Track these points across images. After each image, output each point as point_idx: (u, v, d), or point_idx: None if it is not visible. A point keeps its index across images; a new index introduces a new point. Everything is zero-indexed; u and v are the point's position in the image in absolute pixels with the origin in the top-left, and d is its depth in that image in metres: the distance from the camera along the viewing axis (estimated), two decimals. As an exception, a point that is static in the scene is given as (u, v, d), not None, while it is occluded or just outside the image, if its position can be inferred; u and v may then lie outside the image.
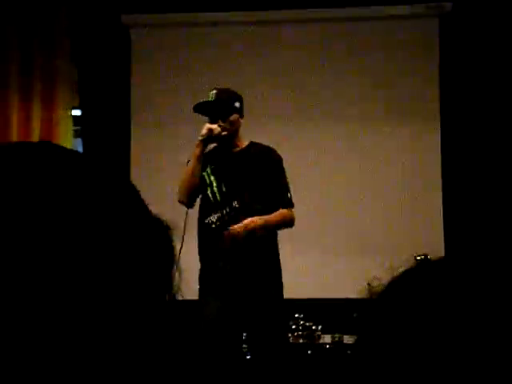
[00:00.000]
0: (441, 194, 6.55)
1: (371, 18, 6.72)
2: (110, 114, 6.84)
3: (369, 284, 0.91)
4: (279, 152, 4.60)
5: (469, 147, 6.52)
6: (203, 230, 4.40)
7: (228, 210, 4.32)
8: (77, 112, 6.90)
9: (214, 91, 4.46)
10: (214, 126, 4.33)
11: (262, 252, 4.37)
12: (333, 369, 5.58)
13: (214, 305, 4.28)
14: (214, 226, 4.33)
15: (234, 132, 4.42)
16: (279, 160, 4.51)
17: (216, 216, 4.33)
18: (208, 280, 4.38)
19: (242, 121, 4.48)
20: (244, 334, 4.64)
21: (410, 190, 6.57)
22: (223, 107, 4.40)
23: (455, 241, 6.41)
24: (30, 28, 6.80)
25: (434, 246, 6.24)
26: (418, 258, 5.57)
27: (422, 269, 0.88)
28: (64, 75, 6.84)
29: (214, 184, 4.38)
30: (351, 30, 6.74)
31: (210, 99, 4.44)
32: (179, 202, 4.43)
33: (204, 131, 4.33)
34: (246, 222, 4.23)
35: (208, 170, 4.41)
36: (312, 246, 6.30)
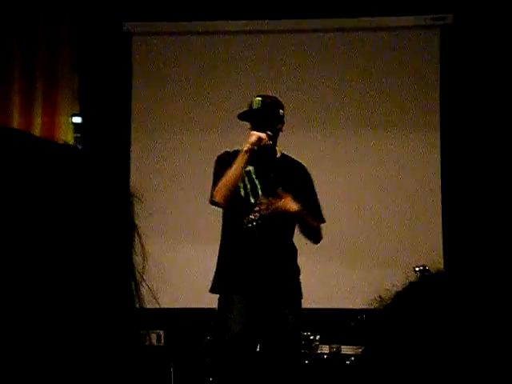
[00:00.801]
0: (440, 205, 6.55)
1: (372, 28, 6.73)
2: (110, 121, 6.84)
3: (380, 296, 0.92)
4: None
5: (468, 157, 6.52)
6: (232, 230, 4.37)
7: (262, 215, 4.31)
8: (77, 119, 6.91)
9: (259, 98, 4.42)
10: (264, 136, 4.28)
11: (287, 258, 4.40)
12: (330, 379, 5.57)
13: (238, 303, 4.26)
14: (245, 226, 4.30)
15: (275, 140, 4.43)
16: (311, 178, 4.57)
17: (248, 218, 4.31)
18: (236, 279, 4.32)
19: (283, 128, 4.49)
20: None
21: (408, 200, 6.57)
22: (270, 116, 4.36)
23: (454, 251, 6.41)
24: (33, 35, 6.81)
25: (433, 256, 6.24)
26: (417, 269, 5.57)
27: (428, 281, 0.88)
28: (65, 82, 6.84)
29: (249, 186, 4.36)
30: (353, 39, 6.75)
31: (255, 107, 4.39)
32: (213, 203, 4.37)
33: (253, 139, 4.27)
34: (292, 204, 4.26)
35: (251, 169, 4.39)
36: (310, 257, 6.28)
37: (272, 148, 4.41)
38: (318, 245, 6.31)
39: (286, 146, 6.52)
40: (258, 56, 6.80)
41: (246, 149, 4.28)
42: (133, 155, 6.80)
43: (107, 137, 6.83)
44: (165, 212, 6.62)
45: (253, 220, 4.30)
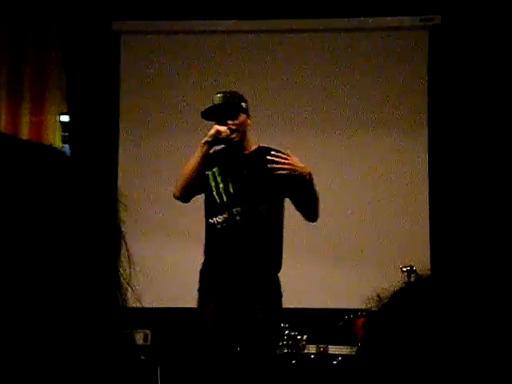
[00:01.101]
0: (428, 205, 6.57)
1: (361, 29, 6.75)
2: (98, 120, 6.83)
3: (378, 296, 0.92)
4: None
5: (456, 156, 6.54)
6: (208, 229, 4.37)
7: (235, 211, 4.27)
8: (65, 118, 6.89)
9: (220, 94, 4.42)
10: (223, 128, 4.29)
11: (266, 259, 4.34)
12: (317, 379, 5.57)
13: (212, 309, 4.26)
14: (219, 226, 4.29)
15: (242, 134, 4.38)
16: None
17: (222, 217, 4.29)
18: (208, 281, 4.34)
19: (249, 122, 4.45)
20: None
21: (395, 200, 6.58)
22: (231, 108, 4.36)
23: (441, 251, 6.43)
24: (21, 33, 6.79)
25: (420, 256, 6.25)
26: (404, 269, 5.58)
27: (424, 281, 0.88)
28: (53, 81, 6.83)
29: (221, 185, 4.34)
30: (342, 40, 6.77)
31: (216, 102, 4.39)
32: (174, 197, 4.41)
33: (211, 132, 4.30)
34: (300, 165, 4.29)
35: (215, 170, 4.37)
36: (298, 257, 6.29)
37: (241, 143, 4.38)
38: (305, 245, 6.34)
39: (276, 144, 6.54)
40: (249, 56, 6.80)
41: (203, 141, 4.31)
42: (120, 154, 6.79)
43: (95, 135, 6.82)
44: (151, 211, 6.61)
45: (226, 220, 4.28)
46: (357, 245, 6.53)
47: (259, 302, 4.28)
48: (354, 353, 5.64)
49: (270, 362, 4.36)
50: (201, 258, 4.51)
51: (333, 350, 5.77)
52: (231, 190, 4.31)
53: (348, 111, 6.69)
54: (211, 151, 4.39)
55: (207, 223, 4.37)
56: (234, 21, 6.81)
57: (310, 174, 4.34)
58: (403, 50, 6.71)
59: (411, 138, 6.66)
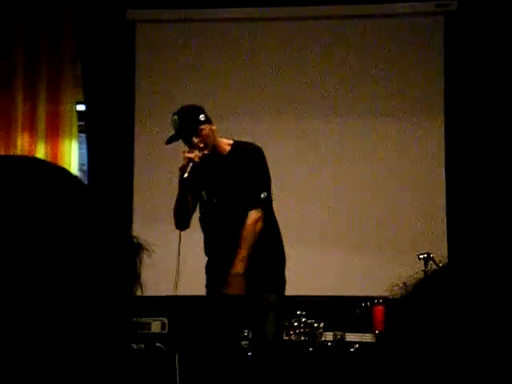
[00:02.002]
0: (444, 192, 6.55)
1: (377, 15, 6.71)
2: (114, 109, 6.84)
3: (404, 283, 0.91)
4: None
5: (473, 144, 6.51)
6: (205, 233, 4.63)
7: (220, 219, 4.48)
8: (81, 107, 6.90)
9: (175, 116, 4.45)
10: (193, 154, 4.32)
11: (265, 247, 4.42)
12: (334, 366, 5.58)
13: (217, 300, 4.36)
14: (212, 225, 4.54)
15: (212, 143, 4.42)
16: (258, 157, 4.49)
17: (210, 218, 4.55)
18: (211, 274, 4.47)
19: (214, 127, 4.46)
20: (245, 331, 4.67)
21: (412, 187, 6.56)
22: (190, 127, 4.37)
23: (458, 238, 6.41)
24: (36, 22, 6.81)
25: (437, 243, 6.24)
26: (421, 256, 5.57)
27: (452, 269, 0.88)
28: (69, 70, 6.84)
29: (204, 198, 4.53)
30: (358, 26, 6.73)
31: (176, 128, 4.43)
32: (178, 229, 4.62)
33: (185, 164, 4.33)
34: (233, 266, 4.34)
35: (203, 193, 4.55)
36: (314, 244, 6.29)
37: (213, 149, 4.42)
38: (321, 232, 6.34)
39: (290, 132, 6.54)
40: (263, 43, 6.78)
41: (179, 179, 4.41)
42: (136, 142, 6.79)
43: (111, 124, 6.83)
44: (168, 200, 6.62)
45: (213, 220, 4.50)
46: (374, 232, 6.52)
47: (261, 291, 4.41)
48: (371, 340, 5.65)
49: (277, 349, 4.43)
50: None
51: (350, 337, 5.77)
52: (215, 200, 4.48)
53: (363, 99, 6.66)
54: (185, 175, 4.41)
55: (202, 227, 4.63)
56: (248, 8, 6.79)
57: (235, 274, 4.37)
58: (419, 37, 6.67)
59: (428, 125, 6.63)
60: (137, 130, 6.81)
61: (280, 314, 4.50)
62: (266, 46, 6.77)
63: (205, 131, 4.37)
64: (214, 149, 4.43)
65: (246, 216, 4.36)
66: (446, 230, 6.47)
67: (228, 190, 4.43)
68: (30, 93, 6.80)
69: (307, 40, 6.75)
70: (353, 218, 6.57)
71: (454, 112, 6.60)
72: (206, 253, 4.63)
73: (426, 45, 6.66)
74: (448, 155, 6.58)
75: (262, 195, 4.42)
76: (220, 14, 6.81)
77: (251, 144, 4.56)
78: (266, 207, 4.44)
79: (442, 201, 6.53)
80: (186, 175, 4.30)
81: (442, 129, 6.60)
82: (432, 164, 6.58)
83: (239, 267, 4.29)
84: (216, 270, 4.48)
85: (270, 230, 4.47)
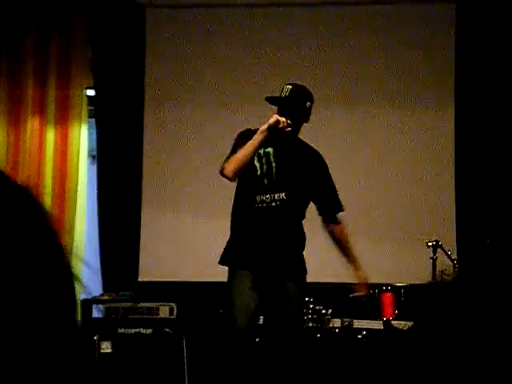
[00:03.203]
0: (453, 180, 6.53)
1: (388, 2, 6.69)
2: (124, 94, 6.84)
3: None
4: None
5: (483, 132, 6.49)
6: (243, 207, 4.48)
7: (274, 197, 4.41)
8: (92, 92, 6.90)
9: (290, 87, 4.48)
10: (283, 119, 4.36)
11: (293, 244, 4.51)
12: (342, 353, 5.59)
13: (247, 279, 4.36)
14: (256, 205, 4.41)
15: (296, 131, 4.50)
16: (327, 166, 4.64)
17: (260, 197, 4.41)
18: (242, 256, 4.43)
19: (305, 123, 4.55)
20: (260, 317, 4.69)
21: (421, 175, 6.55)
22: (295, 106, 4.43)
23: (467, 226, 6.40)
24: (47, 7, 6.80)
25: (446, 231, 6.24)
26: (430, 244, 5.57)
27: (495, 261, 0.87)
28: (79, 55, 6.84)
29: (265, 167, 4.44)
30: (369, 13, 6.71)
31: (283, 95, 4.46)
32: (223, 175, 4.42)
33: (272, 120, 4.35)
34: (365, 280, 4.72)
35: (261, 152, 4.44)
36: (322, 231, 6.28)
37: (293, 135, 4.47)
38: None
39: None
40: (273, 29, 6.76)
41: (263, 128, 4.36)
42: (146, 128, 6.80)
43: (120, 109, 6.83)
44: (176, 185, 6.63)
45: (264, 201, 4.40)
46: (382, 220, 6.52)
47: (292, 277, 4.45)
48: (378, 327, 5.65)
49: (300, 333, 4.53)
50: (227, 233, 4.55)
51: (357, 324, 5.78)
52: (274, 176, 4.42)
53: (373, 86, 6.64)
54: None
55: (242, 200, 4.48)
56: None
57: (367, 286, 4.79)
58: (430, 24, 6.63)
59: (438, 112, 6.61)
60: (146, 114, 6.81)
61: (303, 304, 4.63)
62: (277, 31, 6.75)
63: (299, 118, 4.46)
64: (292, 136, 4.48)
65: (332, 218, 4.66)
66: (454, 217, 6.46)
67: (293, 177, 4.45)
68: (40, 78, 6.80)
69: (320, 27, 6.73)
70: (361, 206, 6.56)
71: (464, 98, 6.57)
72: (244, 231, 4.47)
73: (437, 32, 6.62)
74: (458, 143, 6.57)
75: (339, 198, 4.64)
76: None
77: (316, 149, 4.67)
78: None
79: (450, 188, 6.52)
80: (269, 127, 4.32)
81: (453, 115, 6.58)
82: (441, 152, 6.56)
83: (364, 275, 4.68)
84: (262, 249, 4.40)
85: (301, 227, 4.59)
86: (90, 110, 6.93)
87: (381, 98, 6.64)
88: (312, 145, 4.66)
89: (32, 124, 6.77)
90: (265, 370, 4.48)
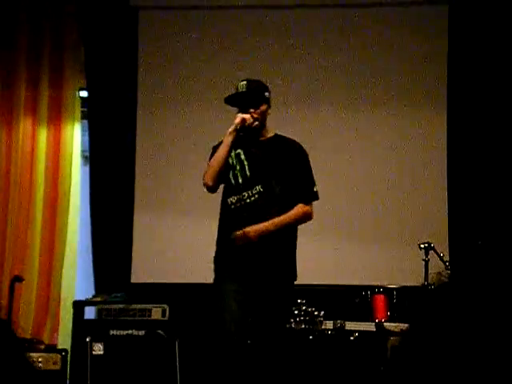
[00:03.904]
0: (446, 181, 6.54)
1: (380, 3, 6.70)
2: (117, 95, 6.83)
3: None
4: None
5: (475, 135, 6.51)
6: (223, 210, 4.51)
7: (250, 193, 4.41)
8: (85, 93, 6.89)
9: (244, 82, 4.53)
10: (247, 116, 4.42)
11: (281, 240, 4.43)
12: (334, 354, 5.59)
13: (231, 288, 4.33)
14: (233, 206, 4.42)
15: (262, 122, 4.51)
16: (306, 154, 4.58)
17: (236, 197, 4.42)
18: (225, 261, 4.42)
19: (269, 111, 4.57)
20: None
21: (414, 177, 6.56)
22: (254, 97, 4.48)
23: (459, 228, 6.41)
24: (39, 8, 6.79)
25: (438, 233, 6.25)
26: (422, 245, 5.58)
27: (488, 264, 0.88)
28: (72, 56, 6.83)
29: (237, 167, 4.47)
30: (361, 14, 6.72)
31: (240, 90, 4.51)
32: (205, 185, 4.48)
33: (237, 120, 4.42)
34: (258, 227, 4.31)
35: (232, 154, 4.48)
36: (315, 233, 6.29)
37: (260, 130, 4.51)
38: (323, 221, 6.34)
39: (294, 121, 6.53)
40: (266, 31, 6.77)
41: (230, 130, 4.43)
42: (139, 129, 6.79)
43: (113, 111, 6.82)
44: (168, 187, 6.63)
45: (241, 199, 4.41)
46: (374, 221, 6.53)
47: (274, 280, 4.38)
48: (370, 329, 5.65)
49: (281, 335, 4.46)
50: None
51: (350, 325, 5.78)
52: (248, 173, 4.44)
53: (366, 86, 6.65)
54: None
55: (223, 203, 4.51)
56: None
57: (265, 234, 4.35)
58: (423, 24, 6.65)
59: (430, 113, 6.62)
60: (139, 116, 6.81)
61: (285, 308, 4.57)
62: (270, 33, 6.76)
63: (263, 107, 4.49)
64: (260, 130, 4.51)
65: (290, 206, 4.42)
66: (447, 219, 6.47)
67: (268, 170, 4.43)
68: (33, 79, 6.79)
69: (311, 27, 6.74)
70: (354, 208, 6.57)
71: (456, 99, 6.59)
72: (226, 231, 4.45)
73: (430, 32, 6.63)
74: (450, 146, 6.58)
75: (315, 188, 4.55)
76: (223, 1, 6.80)
77: (294, 140, 4.62)
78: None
79: (443, 191, 6.53)
80: (236, 127, 4.38)
81: (445, 116, 6.60)
82: (434, 155, 6.57)
83: (255, 234, 4.31)
84: (247, 261, 4.36)
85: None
86: (83, 111, 6.92)
87: (373, 101, 6.65)
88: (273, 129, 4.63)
89: (24, 125, 6.76)
90: (256, 372, 4.47)
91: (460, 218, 6.45)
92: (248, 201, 4.40)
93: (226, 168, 4.45)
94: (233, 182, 4.45)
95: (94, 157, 6.83)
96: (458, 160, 6.55)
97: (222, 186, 4.53)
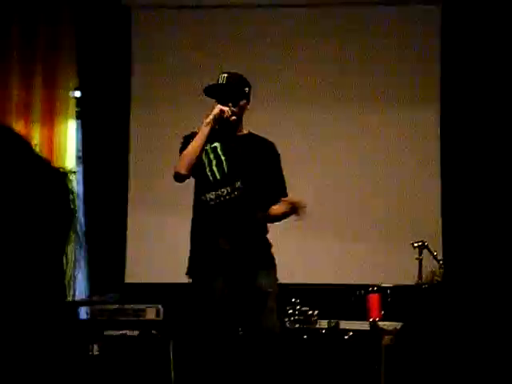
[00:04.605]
0: (439, 180, 6.56)
1: (373, 3, 6.71)
2: (109, 95, 6.83)
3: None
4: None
5: (468, 134, 6.52)
6: (199, 207, 4.43)
7: (230, 189, 4.35)
8: (79, 93, 6.88)
9: (225, 75, 4.50)
10: (226, 108, 4.36)
11: (258, 232, 4.42)
12: (328, 354, 5.60)
13: (218, 285, 4.30)
14: (212, 203, 4.35)
15: (239, 117, 4.47)
16: (279, 154, 4.57)
17: (214, 194, 4.35)
18: (206, 259, 4.39)
19: (248, 107, 4.52)
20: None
21: (407, 176, 6.57)
22: (234, 91, 4.44)
23: (453, 227, 6.42)
24: (32, 8, 6.78)
25: (431, 232, 6.25)
26: (416, 244, 5.58)
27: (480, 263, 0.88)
28: (65, 56, 6.82)
29: (214, 162, 4.40)
30: (354, 13, 6.73)
31: (220, 82, 4.48)
32: (177, 174, 4.41)
33: (216, 111, 4.36)
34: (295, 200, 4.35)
35: (208, 148, 4.42)
36: (309, 232, 6.30)
37: (236, 125, 4.46)
38: (317, 220, 6.35)
39: (287, 120, 6.53)
40: (260, 30, 6.77)
41: (207, 120, 4.37)
42: (132, 129, 6.79)
43: (106, 111, 6.82)
44: (161, 186, 6.62)
45: (219, 196, 4.35)
46: (368, 220, 6.53)
47: (258, 268, 4.35)
48: (365, 328, 5.66)
49: (278, 325, 4.42)
50: None
51: (344, 325, 5.78)
52: (226, 169, 4.38)
53: (359, 86, 6.66)
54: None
55: (198, 201, 4.44)
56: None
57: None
58: (416, 25, 6.66)
59: (423, 113, 6.64)
60: (133, 116, 6.80)
61: (276, 296, 4.50)
62: (263, 32, 6.76)
63: (242, 102, 4.45)
64: (236, 125, 4.46)
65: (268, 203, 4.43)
66: (440, 218, 6.48)
67: (246, 165, 4.40)
68: (26, 78, 6.78)
69: (304, 27, 6.74)
70: (346, 206, 6.57)
71: (449, 99, 6.60)
72: (204, 229, 4.42)
73: (423, 32, 6.65)
74: (443, 145, 6.59)
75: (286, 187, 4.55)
76: (216, 0, 6.80)
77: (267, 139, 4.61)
78: None
79: (437, 190, 6.54)
80: (214, 118, 4.33)
81: (438, 116, 6.61)
82: (428, 154, 6.58)
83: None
84: (224, 246, 4.32)
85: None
86: (78, 111, 6.91)
87: (365, 102, 6.65)
88: (265, 127, 4.66)
89: (17, 125, 6.74)
90: (249, 369, 4.45)
91: (453, 217, 6.45)
92: (228, 197, 4.34)
93: (199, 161, 4.37)
94: (210, 177, 4.37)
95: (87, 157, 6.82)
96: (451, 159, 6.56)
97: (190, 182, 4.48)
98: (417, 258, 5.54)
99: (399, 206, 6.53)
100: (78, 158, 6.91)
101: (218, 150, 4.43)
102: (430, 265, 5.38)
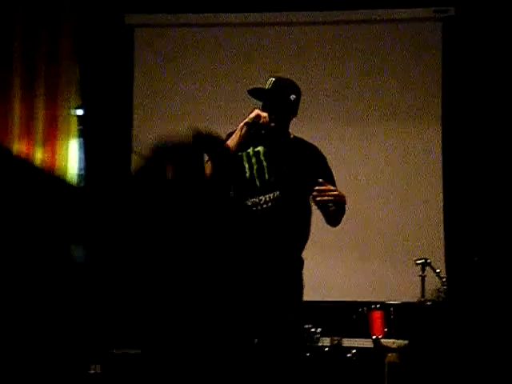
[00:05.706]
0: (442, 197, 6.55)
1: (376, 20, 6.72)
2: (112, 114, 6.84)
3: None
4: None
5: (470, 150, 6.52)
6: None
7: (268, 198, 4.16)
8: (81, 112, 6.89)
9: (273, 79, 4.25)
10: (264, 114, 4.11)
11: (291, 244, 4.28)
12: (331, 371, 5.58)
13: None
14: (254, 208, 4.14)
15: (283, 124, 4.25)
16: (325, 157, 4.33)
17: (252, 201, 4.15)
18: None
19: (293, 118, 4.30)
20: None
21: (409, 192, 6.57)
22: (277, 98, 4.18)
23: (456, 244, 6.41)
24: (34, 27, 6.80)
25: (434, 249, 6.24)
26: (418, 261, 5.57)
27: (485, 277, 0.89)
28: (67, 75, 6.83)
29: (255, 167, 4.20)
30: (357, 31, 6.74)
31: (266, 87, 4.22)
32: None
33: (252, 115, 4.11)
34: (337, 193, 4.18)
35: (250, 151, 4.22)
36: (312, 250, 6.28)
37: (281, 130, 4.21)
38: (319, 238, 6.33)
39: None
40: (261, 49, 6.78)
41: (243, 123, 4.11)
42: (134, 147, 6.79)
43: (109, 129, 6.82)
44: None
45: (257, 203, 4.15)
46: (371, 238, 6.52)
47: (289, 295, 4.20)
48: (368, 345, 5.64)
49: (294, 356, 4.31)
50: None
51: (347, 342, 5.77)
52: (266, 175, 4.18)
53: (362, 102, 6.67)
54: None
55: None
56: (246, 14, 6.80)
57: (344, 198, 4.32)
58: (417, 42, 6.68)
59: (425, 129, 6.64)
60: (135, 134, 6.81)
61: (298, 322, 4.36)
62: (264, 51, 6.78)
63: (284, 112, 4.22)
64: (283, 130, 4.23)
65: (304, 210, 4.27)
66: (443, 236, 6.47)
67: (288, 175, 4.16)
68: (28, 98, 6.79)
69: (307, 45, 6.76)
70: (350, 225, 6.56)
71: (451, 115, 6.61)
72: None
73: (424, 50, 6.67)
74: (445, 161, 6.59)
75: None
76: (218, 18, 6.82)
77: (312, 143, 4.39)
78: None
79: (439, 207, 6.54)
80: (248, 121, 4.08)
81: (440, 131, 6.62)
82: (430, 171, 6.58)
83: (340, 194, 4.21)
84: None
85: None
86: (79, 129, 6.91)
87: (367, 115, 6.66)
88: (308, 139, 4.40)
89: (20, 144, 6.75)
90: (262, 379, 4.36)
91: (456, 234, 6.44)
92: (265, 206, 4.13)
93: (239, 166, 4.18)
94: (250, 183, 4.16)
95: (89, 176, 6.82)
96: (453, 176, 6.56)
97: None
98: (420, 275, 5.53)
99: (402, 223, 6.52)
100: (80, 176, 6.91)
101: (261, 155, 4.22)
102: (433, 282, 5.37)
